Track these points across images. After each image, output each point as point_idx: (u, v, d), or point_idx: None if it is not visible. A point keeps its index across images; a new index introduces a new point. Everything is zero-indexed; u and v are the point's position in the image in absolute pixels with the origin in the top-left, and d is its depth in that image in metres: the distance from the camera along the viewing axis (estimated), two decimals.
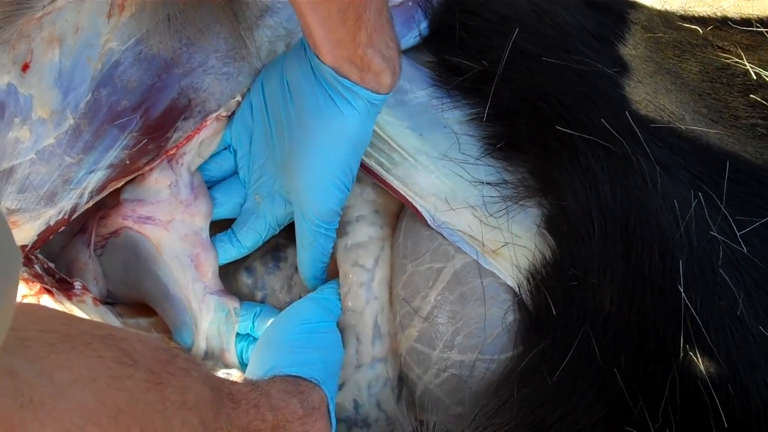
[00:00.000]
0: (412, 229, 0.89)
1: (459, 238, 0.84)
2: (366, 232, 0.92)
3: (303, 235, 0.89)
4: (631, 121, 0.79)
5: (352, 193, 0.92)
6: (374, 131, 0.88)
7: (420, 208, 0.86)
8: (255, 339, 0.94)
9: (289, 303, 0.97)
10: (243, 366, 0.93)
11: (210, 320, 0.92)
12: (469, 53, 0.91)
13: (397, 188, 0.88)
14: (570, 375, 0.72)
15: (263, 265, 1.01)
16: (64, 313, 0.57)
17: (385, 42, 0.79)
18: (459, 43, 0.93)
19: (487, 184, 0.84)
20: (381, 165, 0.89)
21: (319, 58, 0.80)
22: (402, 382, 0.91)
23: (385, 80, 0.81)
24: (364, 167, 0.90)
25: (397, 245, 0.92)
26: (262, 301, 0.99)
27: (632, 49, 0.88)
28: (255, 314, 0.94)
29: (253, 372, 0.80)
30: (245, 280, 1.00)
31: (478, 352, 0.81)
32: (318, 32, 0.76)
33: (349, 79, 0.80)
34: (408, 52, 0.98)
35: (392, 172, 0.88)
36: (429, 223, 0.86)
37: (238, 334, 0.94)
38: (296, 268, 0.96)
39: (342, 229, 0.92)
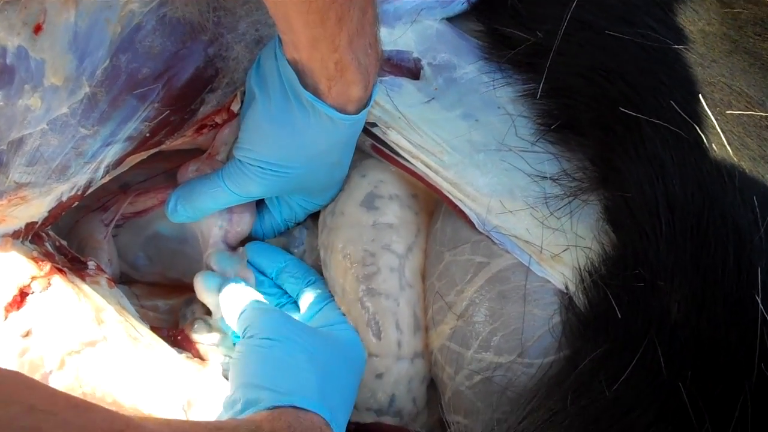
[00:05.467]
0: (452, 213, 0.82)
1: (511, 244, 0.77)
2: (397, 214, 0.85)
3: None
4: (705, 105, 0.71)
5: (389, 169, 0.87)
6: (424, 133, 0.82)
7: (468, 212, 0.80)
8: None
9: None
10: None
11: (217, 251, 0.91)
12: (522, 23, 0.83)
13: (446, 192, 0.81)
14: (631, 388, 0.65)
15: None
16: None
17: (365, 48, 0.72)
18: (511, 12, 0.85)
19: (549, 179, 0.77)
20: (429, 167, 0.82)
21: (286, 57, 0.74)
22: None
23: (354, 93, 0.74)
24: (408, 171, 0.85)
25: (434, 230, 0.85)
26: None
27: (706, 24, 0.79)
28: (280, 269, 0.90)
29: (248, 378, 0.73)
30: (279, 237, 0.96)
31: (517, 354, 0.75)
32: (297, 26, 0.69)
33: (313, 90, 0.74)
34: (455, 20, 0.91)
35: (442, 174, 0.82)
36: (477, 227, 0.79)
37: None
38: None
39: (370, 202, 0.85)
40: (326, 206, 0.91)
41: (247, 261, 0.90)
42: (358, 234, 0.84)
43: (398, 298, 0.82)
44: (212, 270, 0.89)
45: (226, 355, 0.85)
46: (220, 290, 0.85)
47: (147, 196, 0.93)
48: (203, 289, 0.86)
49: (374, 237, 0.83)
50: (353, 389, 0.79)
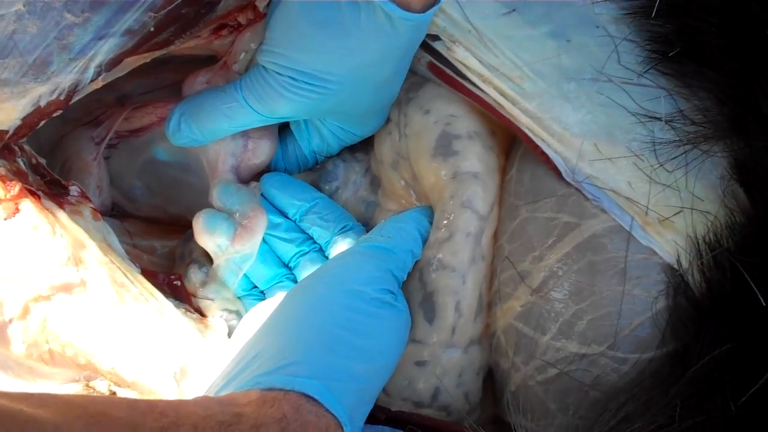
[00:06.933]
0: (533, 157, 0.67)
1: (609, 201, 0.62)
2: (482, 158, 0.69)
3: None
4: None
5: (456, 98, 0.71)
6: (501, 53, 0.67)
7: (553, 155, 0.65)
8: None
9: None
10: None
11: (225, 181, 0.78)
12: None
13: (525, 129, 0.66)
14: (766, 402, 0.50)
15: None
16: None
17: None
18: None
19: (660, 120, 0.61)
20: (505, 96, 0.67)
21: None
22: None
23: None
24: (477, 99, 0.69)
25: (507, 178, 0.70)
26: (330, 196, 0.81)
27: None
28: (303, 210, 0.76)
29: (259, 349, 0.57)
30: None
31: (607, 346, 0.61)
32: None
33: None
34: None
35: (521, 105, 0.66)
36: (565, 176, 0.64)
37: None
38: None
39: (446, 146, 0.69)
40: (376, 152, 0.77)
41: (261, 196, 0.76)
42: (438, 196, 0.70)
43: (466, 274, 0.67)
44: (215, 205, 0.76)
45: (223, 310, 0.73)
46: (223, 232, 0.73)
47: (145, 111, 0.80)
48: (202, 229, 0.73)
49: (454, 192, 0.68)
50: (385, 380, 0.63)
